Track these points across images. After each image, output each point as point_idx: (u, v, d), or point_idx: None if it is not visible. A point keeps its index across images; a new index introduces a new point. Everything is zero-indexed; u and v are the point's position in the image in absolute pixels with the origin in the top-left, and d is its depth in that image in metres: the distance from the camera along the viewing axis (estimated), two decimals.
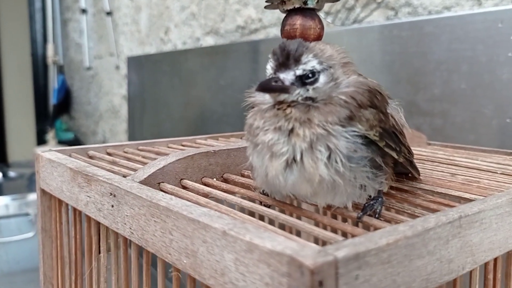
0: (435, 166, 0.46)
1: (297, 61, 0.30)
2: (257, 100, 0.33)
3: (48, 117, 2.38)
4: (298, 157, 0.29)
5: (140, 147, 0.55)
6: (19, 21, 2.52)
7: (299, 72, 0.30)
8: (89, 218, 0.41)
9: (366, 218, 0.32)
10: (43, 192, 0.49)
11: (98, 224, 0.41)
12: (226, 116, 1.12)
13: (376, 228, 0.30)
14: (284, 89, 0.30)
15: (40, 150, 0.50)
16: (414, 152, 0.38)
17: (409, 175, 0.40)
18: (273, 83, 0.30)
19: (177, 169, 0.40)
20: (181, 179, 0.40)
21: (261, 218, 0.43)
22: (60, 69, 2.38)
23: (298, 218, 0.43)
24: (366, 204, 0.32)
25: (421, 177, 0.39)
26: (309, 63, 0.30)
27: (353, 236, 0.29)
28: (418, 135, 0.59)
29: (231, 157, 0.43)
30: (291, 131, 0.30)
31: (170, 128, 1.38)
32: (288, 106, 0.30)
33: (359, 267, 0.23)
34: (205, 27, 1.25)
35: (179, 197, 0.34)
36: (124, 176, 0.40)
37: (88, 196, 0.40)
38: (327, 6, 0.45)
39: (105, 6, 1.78)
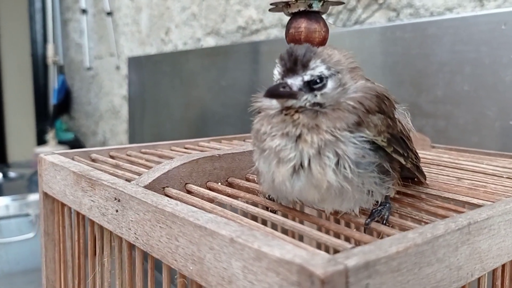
0: (440, 170, 0.46)
1: (305, 66, 0.30)
2: (263, 105, 0.32)
3: (48, 117, 2.37)
4: (305, 163, 0.29)
5: (143, 150, 0.55)
6: (19, 21, 2.51)
7: (307, 77, 0.30)
8: (92, 222, 0.41)
9: (373, 224, 0.31)
10: (46, 195, 0.48)
11: (101, 228, 0.40)
12: (227, 117, 1.12)
13: (383, 235, 0.30)
14: (292, 95, 0.30)
15: (41, 151, 0.50)
16: (419, 155, 0.38)
17: (415, 179, 0.40)
18: (281, 89, 0.30)
19: (182, 173, 0.40)
20: (186, 183, 0.40)
21: (265, 223, 0.43)
22: (60, 69, 2.37)
23: (301, 222, 0.43)
24: (374, 210, 0.32)
25: (427, 182, 0.39)
26: (317, 68, 0.30)
27: (356, 241, 0.29)
28: (422, 137, 0.59)
29: (236, 161, 0.43)
30: (299, 137, 0.29)
31: (170, 129, 1.37)
32: (296, 111, 0.30)
33: (369, 275, 0.23)
34: (206, 28, 1.25)
35: (184, 202, 0.33)
36: (128, 181, 0.39)
37: (92, 201, 0.40)
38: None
39: (105, 6, 1.78)
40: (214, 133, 1.14)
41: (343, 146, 0.29)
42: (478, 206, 0.34)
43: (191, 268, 0.29)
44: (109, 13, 1.76)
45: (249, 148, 0.43)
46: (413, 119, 0.39)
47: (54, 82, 2.35)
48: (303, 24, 0.42)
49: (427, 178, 0.39)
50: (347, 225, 0.51)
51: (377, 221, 0.32)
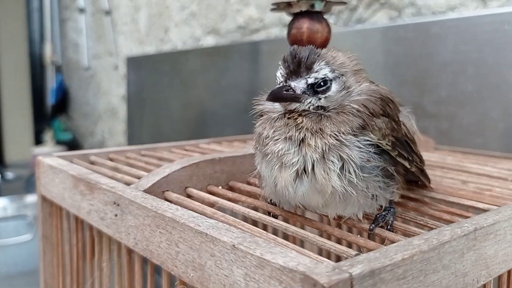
0: (444, 172, 0.46)
1: (309, 69, 0.29)
2: (266, 108, 0.32)
3: (46, 117, 2.36)
4: (309, 168, 0.29)
5: (143, 152, 0.54)
6: (17, 20, 2.50)
7: (311, 80, 0.30)
8: (91, 226, 0.41)
9: (378, 230, 0.31)
10: (44, 198, 0.48)
11: (100, 232, 0.40)
12: (227, 117, 1.11)
13: (388, 241, 0.29)
14: (295, 98, 0.29)
15: (39, 151, 0.49)
16: (423, 158, 0.37)
17: (419, 182, 0.39)
18: (284, 92, 0.29)
19: (182, 177, 0.39)
20: (186, 187, 0.39)
21: (265, 227, 0.42)
22: (58, 69, 2.36)
23: (303, 228, 0.42)
24: (378, 215, 0.31)
25: (431, 185, 0.39)
26: (321, 71, 0.30)
27: (358, 247, 0.29)
28: (426, 139, 0.59)
29: (237, 164, 0.42)
30: (302, 141, 0.29)
31: (169, 129, 1.37)
32: (299, 115, 0.30)
33: (374, 284, 0.23)
34: (206, 27, 1.24)
35: (185, 207, 0.33)
36: (128, 184, 0.39)
37: (91, 204, 0.39)
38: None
39: (104, 5, 1.77)
40: (213, 134, 1.13)
41: (348, 150, 0.28)
42: (484, 210, 0.34)
43: (191, 274, 0.29)
44: (108, 12, 1.76)
45: (250, 151, 0.42)
46: (416, 120, 0.38)
47: (51, 82, 2.34)
48: (305, 25, 0.42)
49: (431, 181, 0.39)
50: (350, 230, 0.50)
51: (381, 227, 0.31)
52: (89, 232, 0.42)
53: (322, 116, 0.29)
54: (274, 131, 0.30)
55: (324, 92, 0.30)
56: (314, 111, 0.30)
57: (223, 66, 1.12)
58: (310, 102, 0.30)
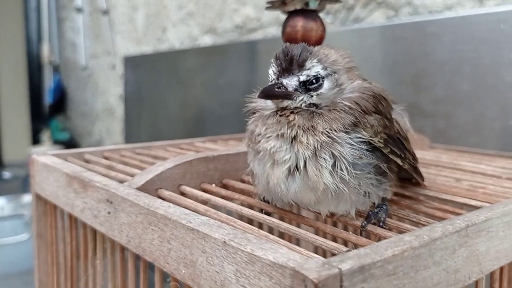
0: (439, 170, 0.46)
1: (301, 66, 0.29)
2: (258, 105, 0.32)
3: (43, 117, 2.36)
4: (301, 165, 0.29)
5: (137, 151, 0.54)
6: (14, 20, 2.50)
7: (303, 78, 0.30)
8: (85, 224, 0.41)
9: (370, 227, 0.31)
10: (38, 197, 0.48)
11: (94, 230, 0.40)
12: (224, 117, 1.11)
13: (380, 238, 0.29)
14: (287, 96, 0.29)
15: (35, 151, 0.49)
16: (417, 156, 0.37)
17: (413, 180, 0.39)
18: (276, 89, 0.29)
19: (175, 174, 0.39)
20: (180, 185, 0.39)
21: (261, 226, 0.42)
22: (56, 69, 2.36)
23: (298, 226, 0.42)
24: (370, 212, 0.31)
25: (425, 183, 0.39)
26: (313, 68, 0.30)
27: (355, 245, 0.29)
28: (421, 138, 0.59)
29: (230, 162, 0.42)
30: (294, 138, 0.29)
31: (167, 129, 1.37)
32: (291, 112, 0.30)
33: (364, 280, 0.23)
34: (203, 27, 1.24)
35: (178, 205, 0.33)
36: (121, 182, 0.39)
37: (84, 202, 0.39)
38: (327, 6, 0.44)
39: (101, 5, 1.77)
40: (211, 133, 1.13)
41: (340, 147, 0.28)
42: (477, 207, 0.34)
43: (183, 271, 0.29)
44: (105, 12, 1.76)
45: (244, 149, 0.42)
46: (413, 119, 0.38)
47: (49, 82, 2.34)
48: (299, 23, 0.42)
49: (425, 179, 0.39)
50: (344, 228, 0.50)
51: (374, 224, 0.31)
52: (83, 230, 0.42)
53: (314, 113, 0.29)
54: (266, 129, 0.30)
55: (316, 89, 0.30)
56: (306, 108, 0.30)
57: (221, 65, 1.12)
58: (302, 100, 0.30)
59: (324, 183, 0.29)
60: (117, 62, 1.73)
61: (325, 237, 0.28)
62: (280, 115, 0.30)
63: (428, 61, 0.67)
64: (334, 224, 0.40)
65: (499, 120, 0.60)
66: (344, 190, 0.29)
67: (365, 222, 0.31)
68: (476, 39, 0.62)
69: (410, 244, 0.25)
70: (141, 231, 0.32)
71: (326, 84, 0.30)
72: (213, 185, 0.41)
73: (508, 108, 0.59)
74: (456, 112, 0.64)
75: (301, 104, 0.30)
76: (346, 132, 0.29)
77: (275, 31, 0.99)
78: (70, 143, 2.17)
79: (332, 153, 0.28)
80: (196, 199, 0.37)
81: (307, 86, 0.30)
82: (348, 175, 0.29)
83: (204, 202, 0.36)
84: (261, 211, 0.34)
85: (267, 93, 0.29)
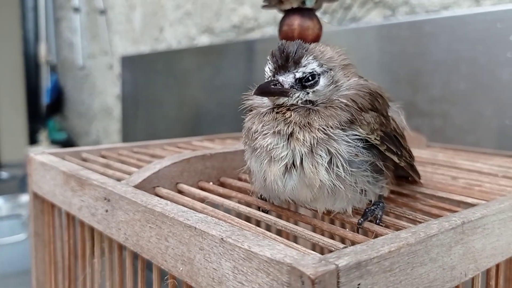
0: (435, 169, 0.46)
1: (297, 63, 0.29)
2: (255, 103, 0.32)
3: (41, 117, 2.36)
4: (298, 162, 0.29)
5: (135, 149, 0.54)
6: (11, 20, 2.49)
7: (298, 74, 0.30)
8: (82, 223, 0.41)
9: (367, 224, 0.31)
10: (35, 195, 0.48)
11: (91, 228, 0.40)
12: (222, 116, 1.11)
13: (377, 235, 0.29)
14: (283, 93, 0.29)
15: (32, 151, 0.49)
16: (414, 154, 0.38)
17: (409, 178, 0.39)
18: (272, 86, 0.29)
19: (173, 172, 0.39)
20: (177, 183, 0.39)
21: (259, 223, 0.43)
22: (53, 69, 2.36)
23: (295, 223, 0.43)
24: (367, 210, 0.32)
25: (421, 181, 0.39)
26: (309, 65, 0.30)
27: (352, 242, 0.29)
28: (418, 136, 0.59)
29: (228, 160, 0.42)
30: (291, 135, 0.29)
31: (164, 128, 1.37)
32: (288, 109, 0.30)
33: (360, 276, 0.23)
34: (200, 26, 1.24)
35: (175, 202, 0.33)
36: (119, 180, 0.39)
37: (82, 200, 0.39)
38: (323, 5, 0.44)
39: (98, 4, 1.76)
40: (208, 132, 1.13)
41: (336, 144, 0.29)
42: (473, 205, 0.34)
43: (181, 268, 0.29)
44: (103, 12, 1.75)
45: (241, 147, 0.42)
46: (410, 118, 0.38)
47: (46, 82, 2.33)
48: (296, 21, 0.42)
49: (422, 177, 0.39)
50: (342, 225, 0.51)
51: (370, 221, 0.32)
52: (80, 228, 0.42)
53: (311, 110, 0.29)
54: (263, 126, 0.30)
55: (312, 86, 0.30)
56: (302, 105, 0.30)
57: (218, 65, 1.12)
58: (298, 97, 0.30)
59: (320, 180, 0.29)
60: (114, 62, 1.73)
61: (322, 235, 0.29)
62: (277, 112, 0.30)
63: (425, 60, 0.68)
64: (331, 222, 0.40)
65: (496, 119, 0.60)
66: (340, 187, 0.29)
67: (361, 220, 0.31)
68: (472, 39, 0.62)
69: (406, 241, 0.25)
70: (138, 229, 0.32)
71: (322, 81, 0.30)
72: (211, 183, 0.41)
73: (504, 107, 0.60)
74: (453, 111, 0.64)
75: (297, 101, 0.30)
76: (342, 129, 0.29)
77: (273, 30, 0.99)
78: (67, 143, 2.17)
79: (328, 150, 0.29)
80: (193, 197, 0.37)
81: (303, 83, 0.30)
82: (344, 172, 0.29)
83: (202, 200, 0.36)
84: (258, 209, 0.35)
85: (263, 90, 0.30)
